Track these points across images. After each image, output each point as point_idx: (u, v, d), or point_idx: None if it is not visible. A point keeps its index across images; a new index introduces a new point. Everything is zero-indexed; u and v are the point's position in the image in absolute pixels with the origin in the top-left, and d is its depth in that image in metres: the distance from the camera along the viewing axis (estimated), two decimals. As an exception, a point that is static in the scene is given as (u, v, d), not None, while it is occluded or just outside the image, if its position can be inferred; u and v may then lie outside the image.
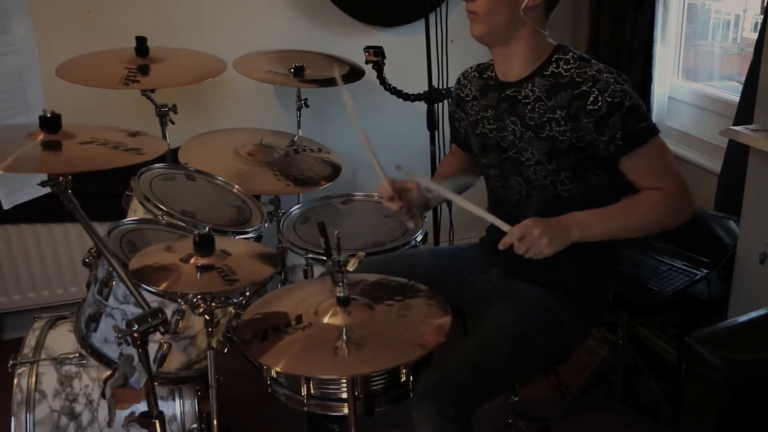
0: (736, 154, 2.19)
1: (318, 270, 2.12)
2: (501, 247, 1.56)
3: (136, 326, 1.35)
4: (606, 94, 1.52)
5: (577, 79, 1.55)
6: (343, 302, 1.50)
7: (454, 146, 1.95)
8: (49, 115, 1.50)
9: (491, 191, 1.82)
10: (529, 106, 1.62)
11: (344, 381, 1.54)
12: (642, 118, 1.54)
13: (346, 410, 1.56)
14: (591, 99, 1.53)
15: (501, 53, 1.66)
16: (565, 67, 1.59)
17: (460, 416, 1.51)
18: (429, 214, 2.62)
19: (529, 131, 1.63)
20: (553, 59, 1.61)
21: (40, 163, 1.47)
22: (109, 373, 1.45)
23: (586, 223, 1.58)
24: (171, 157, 2.32)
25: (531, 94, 1.62)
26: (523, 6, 1.56)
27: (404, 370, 1.58)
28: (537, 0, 1.56)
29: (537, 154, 1.63)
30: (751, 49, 2.19)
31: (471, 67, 1.82)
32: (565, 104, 1.56)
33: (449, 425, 1.48)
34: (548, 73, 1.60)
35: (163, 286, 1.58)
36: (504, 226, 1.57)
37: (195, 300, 1.64)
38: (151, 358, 1.71)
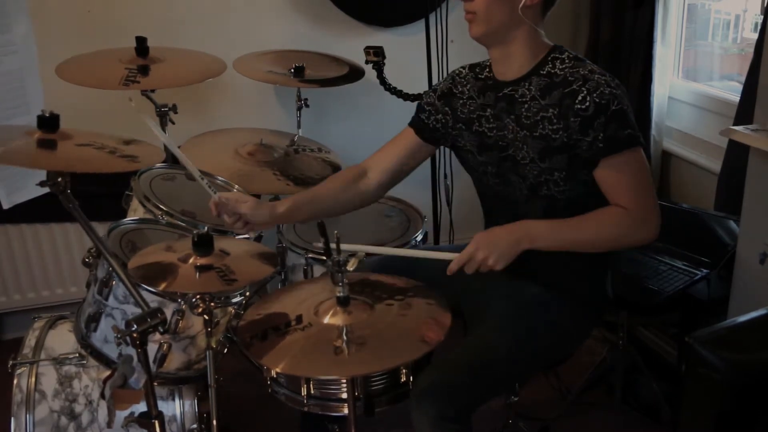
0: (736, 154, 2.19)
1: (318, 270, 2.12)
2: (449, 273, 1.58)
3: (136, 326, 1.35)
4: (594, 95, 1.51)
5: (569, 78, 1.56)
6: (343, 302, 1.50)
7: (405, 131, 1.84)
8: (47, 115, 1.50)
9: (490, 189, 1.79)
10: (525, 105, 1.62)
11: (344, 381, 1.54)
12: (626, 126, 1.52)
13: (346, 410, 1.56)
14: (579, 98, 1.52)
15: (499, 53, 1.65)
16: (560, 66, 1.59)
17: (460, 416, 1.51)
18: (429, 214, 2.62)
19: (524, 130, 1.63)
20: (549, 59, 1.61)
21: (32, 157, 1.46)
22: (108, 373, 1.45)
23: (537, 233, 1.58)
24: (171, 157, 2.32)
25: (527, 93, 1.62)
26: (521, 5, 1.55)
27: (404, 370, 1.58)
28: None
29: (531, 153, 1.62)
30: (751, 49, 2.19)
31: (463, 67, 1.79)
32: (557, 102, 1.56)
33: (448, 425, 1.48)
34: (544, 72, 1.60)
35: (163, 286, 1.59)
36: (447, 256, 1.59)
37: (194, 300, 1.64)
38: (151, 358, 1.71)
